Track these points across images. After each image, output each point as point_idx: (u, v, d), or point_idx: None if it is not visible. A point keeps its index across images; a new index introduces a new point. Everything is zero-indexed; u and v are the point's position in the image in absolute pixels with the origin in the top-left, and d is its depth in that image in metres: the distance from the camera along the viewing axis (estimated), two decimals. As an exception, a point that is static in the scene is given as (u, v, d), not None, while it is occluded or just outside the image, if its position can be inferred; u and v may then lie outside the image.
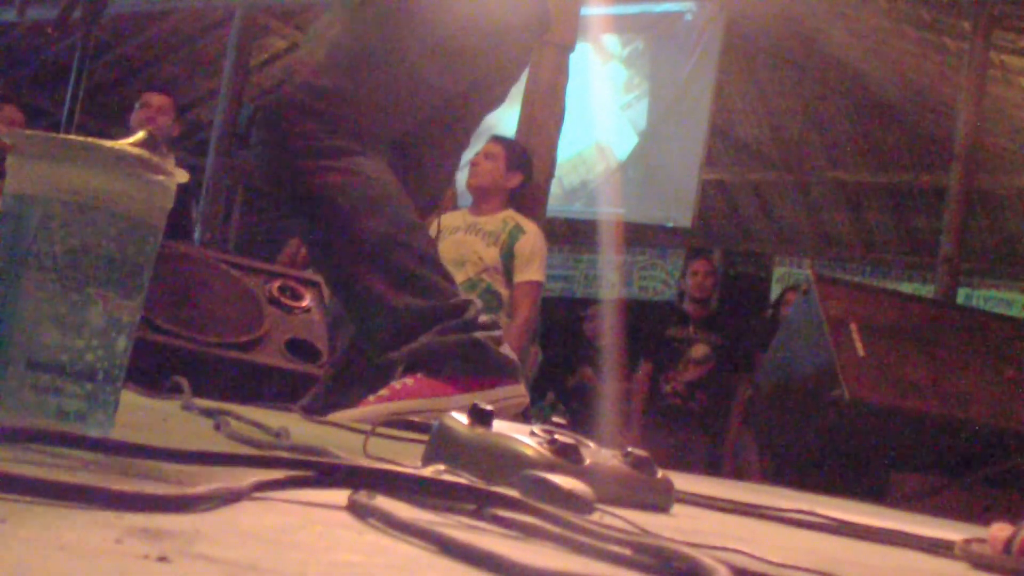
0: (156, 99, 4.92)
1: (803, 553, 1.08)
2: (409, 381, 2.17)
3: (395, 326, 2.21)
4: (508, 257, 4.09)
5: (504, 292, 4.08)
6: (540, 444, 1.13)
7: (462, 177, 4.34)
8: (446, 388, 2.15)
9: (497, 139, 4.47)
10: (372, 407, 2.11)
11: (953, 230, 6.43)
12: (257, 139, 2.25)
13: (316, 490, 0.78)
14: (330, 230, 2.26)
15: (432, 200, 2.71)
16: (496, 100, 2.68)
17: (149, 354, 2.51)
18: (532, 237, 4.16)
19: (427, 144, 2.53)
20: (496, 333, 2.27)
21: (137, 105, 4.91)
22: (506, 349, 2.28)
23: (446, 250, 4.16)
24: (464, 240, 4.15)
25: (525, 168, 4.35)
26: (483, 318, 2.28)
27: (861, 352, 3.73)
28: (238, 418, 1.43)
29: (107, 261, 0.92)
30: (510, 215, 4.22)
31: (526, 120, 4.90)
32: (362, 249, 2.23)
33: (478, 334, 2.22)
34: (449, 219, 4.30)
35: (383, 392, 2.17)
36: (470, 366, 2.20)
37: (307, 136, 2.21)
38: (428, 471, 1.05)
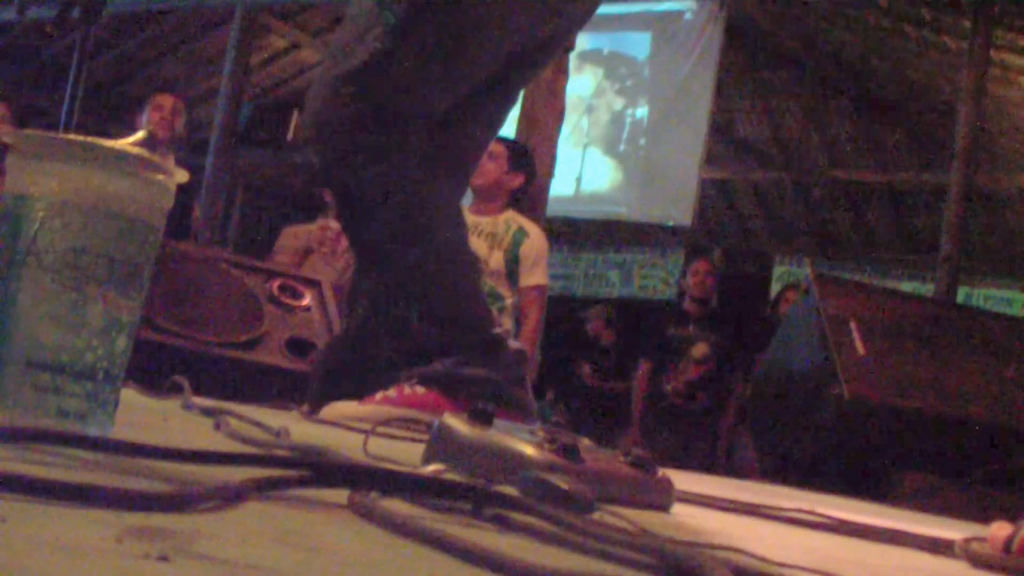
0: (169, 101, 4.94)
1: (803, 552, 1.08)
2: (420, 390, 2.15)
3: (418, 347, 2.19)
4: (512, 261, 4.09)
5: (506, 294, 4.08)
6: (540, 444, 1.13)
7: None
8: (455, 409, 2.10)
9: (499, 139, 4.47)
10: (375, 407, 2.10)
11: (953, 229, 6.43)
12: (310, 115, 2.13)
13: (316, 490, 0.78)
14: (371, 232, 2.17)
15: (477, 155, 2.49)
16: (548, 60, 2.52)
17: (149, 354, 2.51)
18: (535, 240, 4.16)
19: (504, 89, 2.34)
20: (518, 372, 2.23)
21: (148, 107, 4.92)
22: (525, 389, 2.24)
23: None
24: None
25: (528, 168, 4.35)
26: (508, 353, 2.22)
27: (861, 351, 3.73)
28: (238, 417, 1.43)
29: (107, 261, 0.92)
30: (511, 216, 4.22)
31: (526, 119, 4.90)
32: (400, 262, 2.16)
33: (497, 375, 2.16)
34: None
35: (391, 392, 2.15)
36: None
37: (358, 124, 2.07)
38: (428, 471, 1.05)
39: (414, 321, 2.21)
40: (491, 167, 4.22)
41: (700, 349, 5.81)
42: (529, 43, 2.25)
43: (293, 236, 5.31)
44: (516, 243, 4.10)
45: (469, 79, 2.19)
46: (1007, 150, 8.84)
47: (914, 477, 3.65)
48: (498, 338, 2.22)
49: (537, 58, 2.36)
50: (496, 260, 4.07)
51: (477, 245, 4.11)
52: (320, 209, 5.34)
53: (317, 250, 5.10)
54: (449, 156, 2.26)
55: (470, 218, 4.22)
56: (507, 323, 4.04)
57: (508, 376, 2.18)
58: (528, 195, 4.60)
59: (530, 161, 4.38)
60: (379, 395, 2.14)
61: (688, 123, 8.46)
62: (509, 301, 4.08)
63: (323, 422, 1.95)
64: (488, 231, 4.13)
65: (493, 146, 4.32)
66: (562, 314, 9.68)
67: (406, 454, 1.25)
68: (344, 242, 4.73)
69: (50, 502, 0.60)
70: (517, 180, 4.29)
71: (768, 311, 7.10)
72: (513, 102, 2.47)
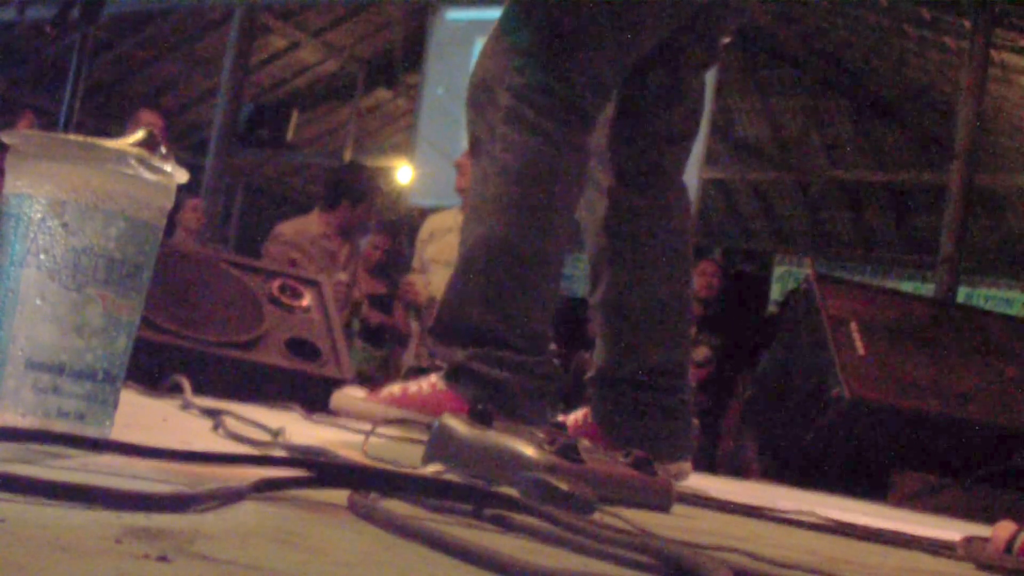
0: (148, 117, 4.94)
1: (803, 553, 1.08)
2: (427, 388, 2.04)
3: (462, 326, 2.03)
4: None
5: None
6: (540, 444, 1.13)
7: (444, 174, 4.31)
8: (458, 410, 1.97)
9: None
10: (377, 405, 2.04)
11: (953, 229, 6.43)
12: (476, 73, 2.06)
13: (316, 490, 0.78)
14: (473, 193, 2.10)
15: (690, 124, 2.27)
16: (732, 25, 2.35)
17: (149, 354, 2.51)
18: None
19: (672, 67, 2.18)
20: (545, 385, 2.04)
21: (130, 123, 4.94)
22: (539, 405, 2.05)
23: (440, 251, 4.15)
24: (458, 240, 4.14)
25: None
26: (543, 364, 2.04)
27: (861, 351, 3.73)
28: (238, 417, 1.43)
29: (107, 261, 0.92)
30: None
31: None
32: (476, 237, 2.07)
33: (521, 387, 1.98)
34: (440, 220, 4.29)
35: (395, 390, 2.06)
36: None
37: (520, 95, 1.98)
38: (428, 471, 1.05)
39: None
40: None
41: (701, 351, 5.81)
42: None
43: (282, 243, 5.25)
44: None
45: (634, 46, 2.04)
46: (1007, 150, 8.84)
47: (914, 477, 3.65)
48: (544, 360, 2.03)
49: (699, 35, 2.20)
50: None
51: None
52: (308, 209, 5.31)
53: (303, 262, 5.05)
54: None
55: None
56: None
57: (529, 386, 2.00)
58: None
59: None
60: (384, 391, 2.08)
61: (688, 123, 8.45)
62: None
63: (323, 422, 1.94)
64: None
65: None
66: (562, 314, 9.68)
67: (406, 454, 1.25)
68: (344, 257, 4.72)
69: (50, 502, 0.60)
70: None
71: (773, 311, 7.09)
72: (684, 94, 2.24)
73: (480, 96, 2.11)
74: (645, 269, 2.20)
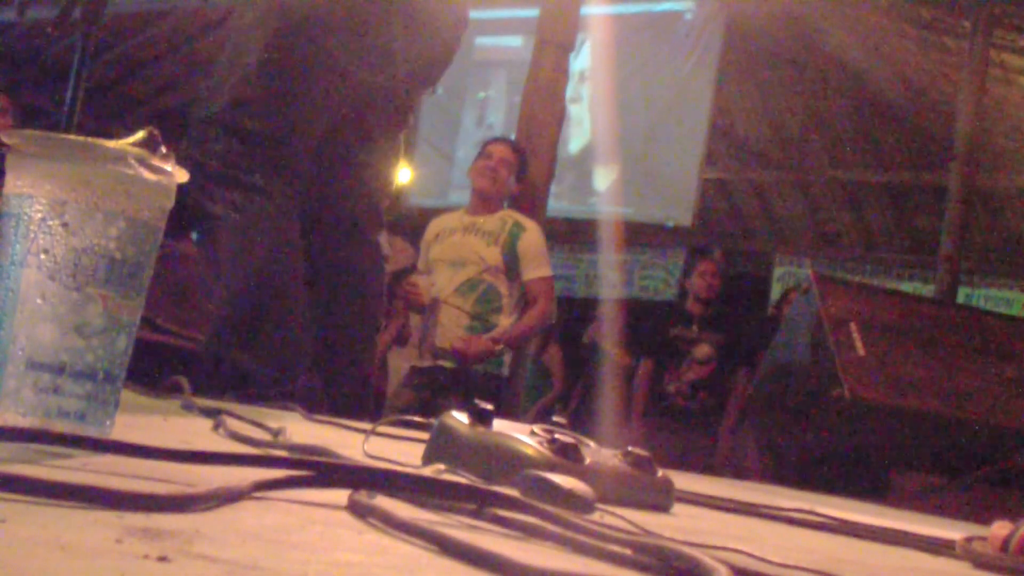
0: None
1: (803, 553, 1.08)
2: None
3: (220, 377, 2.33)
4: (511, 256, 4.08)
5: (505, 292, 4.08)
6: (540, 444, 1.13)
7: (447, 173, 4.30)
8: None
9: (514, 147, 4.46)
10: None
11: (953, 229, 6.43)
12: (186, 147, 2.42)
13: (316, 490, 0.78)
14: (208, 256, 2.46)
15: (385, 181, 2.81)
16: (430, 83, 2.84)
17: (149, 354, 2.51)
18: (533, 234, 4.15)
19: (361, 137, 2.67)
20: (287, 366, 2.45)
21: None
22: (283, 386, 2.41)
23: (445, 252, 4.16)
24: (463, 241, 4.14)
25: (525, 174, 4.41)
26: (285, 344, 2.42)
27: (861, 351, 3.73)
28: (238, 418, 1.43)
29: (107, 261, 0.92)
30: (508, 214, 4.23)
31: (526, 120, 4.90)
32: (229, 288, 2.39)
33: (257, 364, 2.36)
34: (446, 221, 4.30)
35: None
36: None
37: (227, 160, 2.38)
38: (428, 471, 1.05)
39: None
40: (505, 175, 4.23)
41: (703, 350, 5.81)
42: (368, 89, 2.58)
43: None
44: (513, 238, 4.10)
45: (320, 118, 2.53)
46: (1007, 150, 8.84)
47: (914, 477, 3.65)
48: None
49: (383, 102, 2.68)
50: (494, 255, 4.07)
51: (475, 243, 4.11)
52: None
53: None
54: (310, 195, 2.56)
55: (467, 219, 4.22)
56: (505, 321, 4.03)
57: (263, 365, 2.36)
58: (528, 196, 4.60)
59: (527, 167, 4.44)
60: None
61: (688, 123, 8.46)
62: (506, 299, 4.07)
63: (323, 422, 1.94)
64: (486, 229, 4.14)
65: (509, 154, 4.31)
66: (562, 314, 9.67)
67: (406, 454, 1.25)
68: None
69: (50, 502, 0.60)
70: (518, 188, 4.36)
71: (772, 311, 7.09)
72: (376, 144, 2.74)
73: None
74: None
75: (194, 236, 2.62)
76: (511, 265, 4.08)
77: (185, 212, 2.42)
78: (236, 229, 2.38)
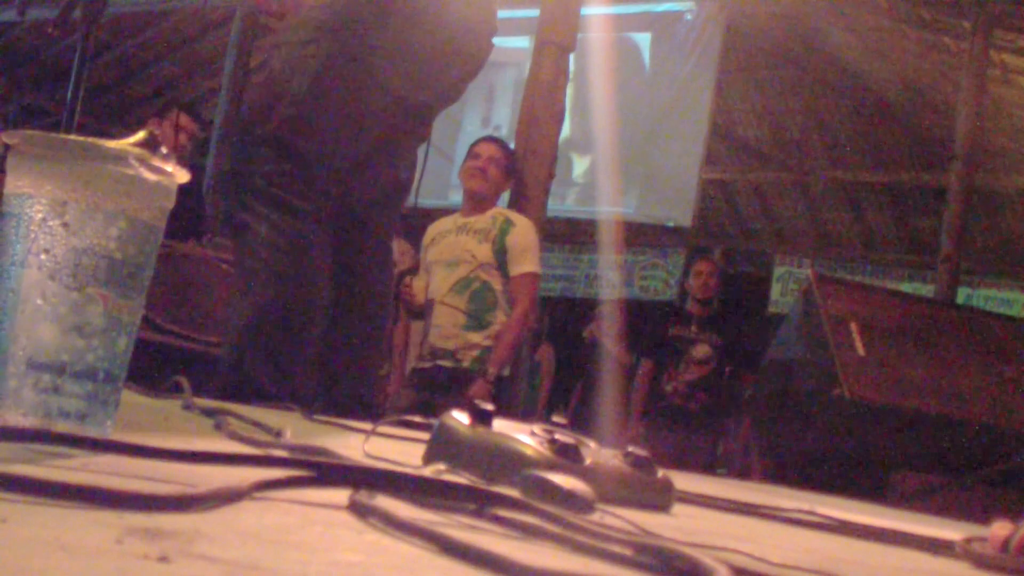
0: (183, 120, 5.03)
1: (803, 553, 1.08)
2: None
3: (248, 387, 2.35)
4: (501, 251, 4.08)
5: (499, 288, 4.07)
6: (540, 444, 1.13)
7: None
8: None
9: (501, 145, 4.46)
10: None
11: (953, 230, 6.43)
12: (223, 163, 2.49)
13: (316, 490, 0.78)
14: (243, 265, 2.50)
15: (401, 190, 2.86)
16: (457, 97, 2.93)
17: (149, 354, 2.52)
18: (523, 229, 4.14)
19: (389, 151, 2.73)
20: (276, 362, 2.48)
21: (165, 122, 4.99)
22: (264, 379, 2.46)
23: (440, 253, 4.16)
24: (456, 241, 4.15)
25: (515, 172, 4.43)
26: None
27: (861, 352, 3.73)
28: (238, 418, 1.43)
29: (107, 261, 0.92)
30: (498, 211, 4.24)
31: (526, 119, 4.90)
32: (256, 303, 2.43)
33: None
34: (442, 224, 4.30)
35: None
36: None
37: (274, 181, 2.42)
38: (428, 471, 1.05)
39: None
40: (494, 174, 4.23)
41: (701, 350, 5.81)
42: (405, 106, 2.64)
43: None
44: (503, 233, 4.10)
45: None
46: (1007, 150, 8.84)
47: (914, 477, 3.65)
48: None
49: (414, 116, 2.75)
50: (484, 252, 4.07)
51: (467, 242, 4.11)
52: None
53: None
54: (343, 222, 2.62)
55: (461, 220, 4.22)
56: (501, 317, 4.03)
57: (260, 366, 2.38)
58: (528, 196, 4.61)
59: (515, 162, 4.46)
60: None
61: (688, 123, 8.46)
62: (501, 296, 4.07)
63: (323, 422, 1.94)
64: (477, 227, 4.14)
65: (497, 152, 4.32)
66: (562, 314, 9.68)
67: (406, 454, 1.25)
68: None
69: (50, 502, 0.60)
70: (508, 185, 4.37)
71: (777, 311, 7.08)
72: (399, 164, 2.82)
73: (229, 184, 2.54)
74: None
75: (208, 239, 2.64)
76: (501, 260, 4.07)
77: (205, 217, 2.43)
78: (274, 248, 2.42)
